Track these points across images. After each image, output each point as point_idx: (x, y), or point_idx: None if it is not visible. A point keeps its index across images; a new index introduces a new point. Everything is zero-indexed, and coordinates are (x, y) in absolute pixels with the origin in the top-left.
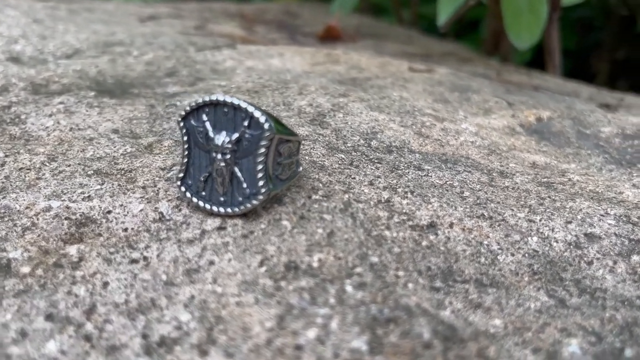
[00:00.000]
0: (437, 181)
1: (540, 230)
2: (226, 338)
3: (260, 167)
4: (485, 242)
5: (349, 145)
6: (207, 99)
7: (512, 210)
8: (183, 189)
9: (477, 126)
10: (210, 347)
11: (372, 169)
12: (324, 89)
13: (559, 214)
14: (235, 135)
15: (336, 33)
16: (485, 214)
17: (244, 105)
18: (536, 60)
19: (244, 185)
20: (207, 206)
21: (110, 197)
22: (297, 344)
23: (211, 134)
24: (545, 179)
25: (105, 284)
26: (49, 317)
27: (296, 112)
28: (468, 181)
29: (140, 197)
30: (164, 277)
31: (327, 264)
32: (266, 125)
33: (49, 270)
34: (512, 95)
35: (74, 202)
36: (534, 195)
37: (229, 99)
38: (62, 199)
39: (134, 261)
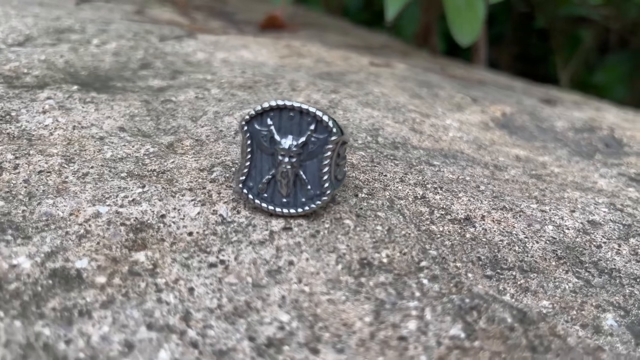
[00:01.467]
0: (451, 176)
1: (553, 219)
2: (330, 335)
3: (325, 169)
4: (514, 232)
5: (360, 142)
6: (273, 103)
7: (525, 201)
8: (245, 191)
9: (459, 122)
10: (318, 345)
11: (392, 165)
12: (313, 84)
13: (562, 204)
14: (302, 139)
15: (280, 23)
16: (506, 206)
17: (312, 109)
18: (448, 52)
19: (308, 186)
20: (271, 207)
21: (159, 200)
22: (401, 336)
23: (277, 137)
24: (533, 172)
25: (190, 290)
26: (150, 327)
27: None
28: (476, 175)
29: (192, 200)
30: (249, 279)
31: (396, 259)
32: (334, 129)
33: (126, 279)
34: (470, 90)
35: (122, 207)
36: (533, 187)
37: (296, 104)
38: (107, 204)
39: (212, 265)
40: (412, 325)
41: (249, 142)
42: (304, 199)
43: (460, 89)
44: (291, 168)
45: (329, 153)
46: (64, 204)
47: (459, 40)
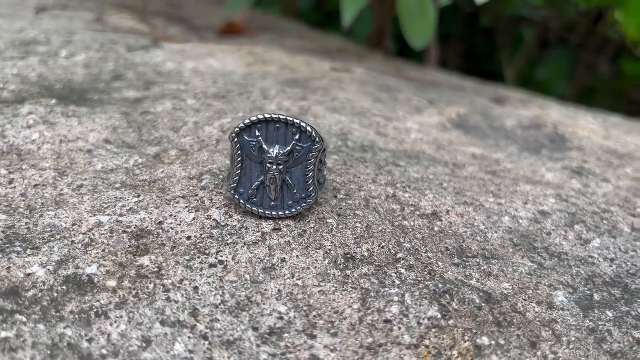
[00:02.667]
0: (416, 175)
1: (508, 211)
2: (324, 322)
3: (310, 174)
4: (476, 224)
5: (332, 147)
6: (261, 117)
7: (483, 196)
8: (237, 197)
9: (419, 124)
10: (314, 331)
11: (363, 167)
12: (283, 92)
13: (516, 197)
14: (288, 148)
15: (239, 28)
16: (467, 201)
17: (297, 121)
18: (400, 53)
19: (295, 190)
20: (261, 211)
21: (156, 208)
22: (386, 319)
23: (265, 147)
24: (489, 168)
25: (195, 289)
26: (163, 323)
27: None
28: (438, 174)
29: (187, 207)
30: (247, 277)
31: (375, 252)
32: (317, 138)
33: (135, 281)
34: (426, 93)
35: (122, 216)
36: (489, 183)
37: (282, 116)
38: (107, 213)
39: (212, 266)
40: (395, 309)
41: (239, 152)
42: (290, 202)
43: (417, 92)
44: (279, 174)
45: (312, 160)
46: (66, 215)
47: (412, 44)
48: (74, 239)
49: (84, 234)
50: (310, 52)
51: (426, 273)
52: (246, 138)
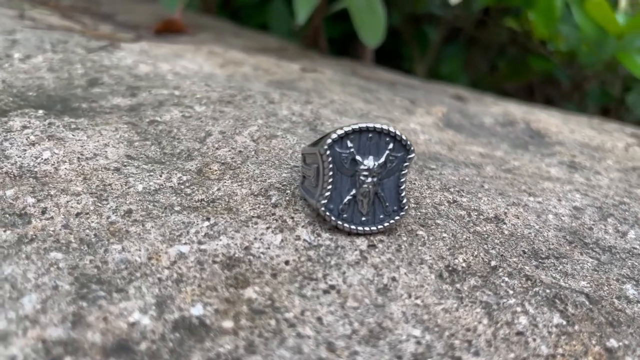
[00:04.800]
0: (453, 177)
1: (549, 209)
2: (459, 341)
3: (403, 185)
4: (531, 224)
5: None
6: (355, 127)
7: (522, 195)
8: (328, 213)
9: (420, 125)
10: (456, 352)
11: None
12: (285, 95)
13: (547, 194)
14: (382, 159)
15: (179, 26)
16: (514, 201)
17: (392, 129)
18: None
19: (387, 203)
20: (352, 227)
21: (236, 232)
22: (518, 331)
23: (359, 158)
24: (503, 167)
25: (319, 319)
26: None
27: (293, 121)
28: (469, 175)
29: (268, 228)
30: (366, 301)
31: (472, 262)
32: (411, 147)
33: (253, 319)
34: (398, 92)
35: (201, 243)
36: (516, 181)
37: (377, 126)
38: (183, 242)
39: (326, 292)
40: (523, 320)
41: (330, 165)
42: (382, 216)
43: (391, 92)
44: (372, 187)
45: (405, 170)
46: (136, 248)
47: (366, 42)
48: (159, 276)
49: (167, 268)
50: (261, 51)
51: (525, 279)
52: (337, 150)
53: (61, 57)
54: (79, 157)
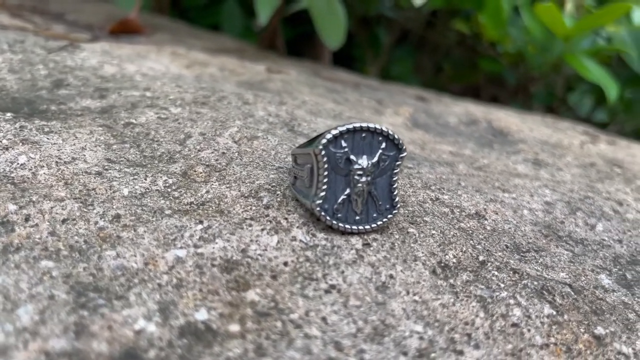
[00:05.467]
0: (431, 176)
1: (524, 205)
2: (459, 335)
3: (395, 184)
4: (509, 220)
5: None
6: (349, 127)
7: (497, 192)
8: (323, 213)
9: (392, 125)
10: (457, 346)
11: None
12: (259, 97)
13: (519, 190)
14: (376, 158)
15: (135, 27)
16: (491, 197)
17: (384, 129)
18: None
19: (380, 202)
20: (347, 226)
21: (231, 234)
22: (513, 323)
23: (353, 157)
24: (474, 165)
25: (324, 319)
26: None
27: (270, 122)
28: (445, 173)
29: (263, 229)
30: (367, 299)
31: (462, 258)
32: (403, 146)
33: (259, 321)
34: (364, 93)
35: (198, 247)
36: (489, 179)
37: (371, 125)
38: (179, 246)
39: (327, 291)
40: (517, 312)
41: (325, 165)
42: (375, 214)
43: (355, 93)
44: (367, 186)
45: (398, 169)
46: (130, 253)
47: (328, 44)
48: (159, 281)
49: (166, 273)
50: (221, 52)
51: (512, 272)
52: (332, 150)
53: (21, 58)
54: (57, 162)
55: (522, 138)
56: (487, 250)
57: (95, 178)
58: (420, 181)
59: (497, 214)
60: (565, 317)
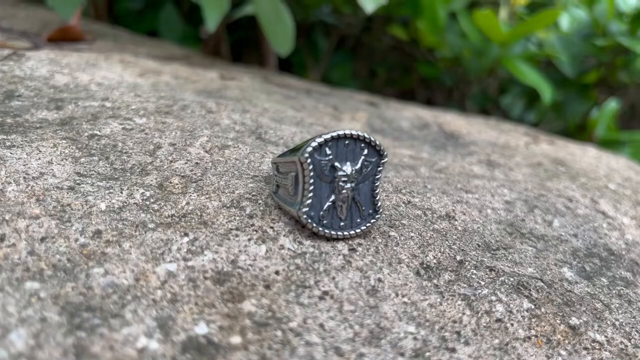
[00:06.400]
0: (398, 180)
1: (487, 204)
2: (449, 333)
3: (378, 189)
4: (477, 219)
5: None
6: (334, 134)
7: (461, 193)
8: (310, 221)
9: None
10: (449, 343)
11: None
12: (221, 105)
13: (480, 191)
14: (359, 164)
15: (76, 34)
16: (457, 199)
17: (366, 135)
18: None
19: (363, 207)
20: (333, 233)
21: (219, 245)
22: (497, 319)
23: (338, 164)
24: (433, 167)
25: (321, 326)
26: None
27: (237, 130)
28: (410, 176)
29: (249, 239)
30: (360, 303)
31: (442, 259)
32: (384, 152)
33: (259, 332)
34: (320, 99)
35: (187, 260)
36: (451, 180)
37: (354, 133)
38: (168, 260)
39: (321, 298)
40: (500, 308)
41: (311, 173)
42: (359, 219)
43: (310, 99)
44: (351, 192)
45: (380, 175)
46: (119, 269)
47: (278, 51)
48: (153, 297)
49: (159, 288)
50: (168, 59)
51: (489, 270)
52: (317, 157)
53: None
54: (24, 177)
55: (473, 140)
56: (462, 250)
57: (68, 193)
58: (391, 185)
59: (464, 214)
60: (542, 310)
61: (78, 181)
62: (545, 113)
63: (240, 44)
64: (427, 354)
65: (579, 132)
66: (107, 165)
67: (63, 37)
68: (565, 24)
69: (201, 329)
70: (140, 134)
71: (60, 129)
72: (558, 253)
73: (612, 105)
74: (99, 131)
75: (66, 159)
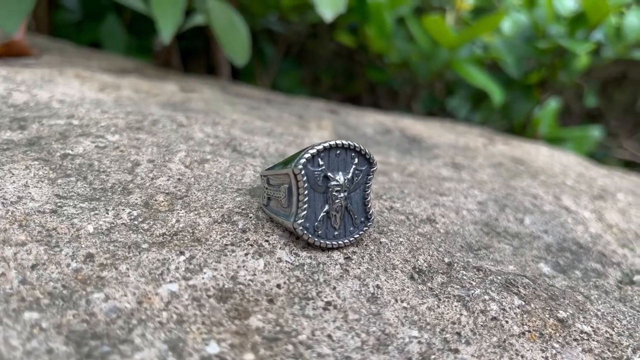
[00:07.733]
0: (376, 186)
1: (462, 206)
2: (450, 334)
3: (369, 197)
4: (455, 222)
5: None
6: (326, 145)
7: (437, 196)
8: (305, 232)
9: (320, 138)
10: (451, 345)
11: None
12: (191, 118)
13: (454, 193)
14: (350, 173)
15: (22, 49)
16: (434, 202)
17: (357, 145)
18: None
19: (355, 215)
20: (327, 242)
21: (217, 262)
22: (493, 317)
23: (330, 175)
24: (404, 172)
25: (329, 337)
26: None
27: (212, 143)
28: (385, 182)
29: (246, 254)
30: (364, 311)
31: (431, 262)
32: (373, 160)
33: (271, 347)
34: (284, 109)
35: (187, 279)
36: (424, 184)
37: (345, 143)
38: (168, 280)
39: (325, 309)
40: (494, 306)
41: (305, 184)
42: (351, 228)
43: (273, 109)
44: (344, 201)
45: (370, 183)
46: (120, 293)
47: (235, 61)
48: (159, 319)
49: (164, 310)
50: (122, 72)
51: (477, 270)
52: (310, 169)
53: None
54: (2, 202)
55: (435, 144)
56: (449, 252)
57: (51, 217)
58: (371, 191)
59: (444, 217)
60: (532, 305)
61: (59, 203)
62: (491, 113)
63: (187, 54)
64: (433, 356)
65: (523, 130)
66: (86, 185)
67: (8, 53)
68: (508, 28)
69: (213, 348)
70: (116, 152)
71: (29, 150)
72: (533, 249)
73: (553, 104)
74: (72, 150)
75: (42, 181)
